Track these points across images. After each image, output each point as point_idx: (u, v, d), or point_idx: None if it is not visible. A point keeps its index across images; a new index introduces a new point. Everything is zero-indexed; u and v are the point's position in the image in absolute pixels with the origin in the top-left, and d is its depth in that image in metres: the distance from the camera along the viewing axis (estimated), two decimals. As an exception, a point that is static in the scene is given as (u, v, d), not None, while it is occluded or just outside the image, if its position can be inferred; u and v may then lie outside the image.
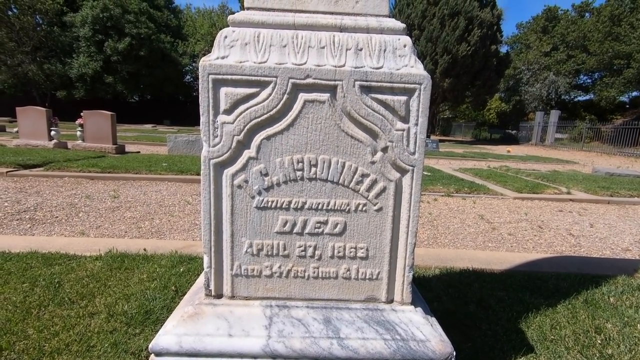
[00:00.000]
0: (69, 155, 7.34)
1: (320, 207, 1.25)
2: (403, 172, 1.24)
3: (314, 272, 1.29)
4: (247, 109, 1.17)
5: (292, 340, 1.20)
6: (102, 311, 1.79)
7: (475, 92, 22.43)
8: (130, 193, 4.86)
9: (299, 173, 1.22)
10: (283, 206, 1.24)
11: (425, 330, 1.26)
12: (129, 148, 9.91)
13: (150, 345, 1.20)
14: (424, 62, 19.62)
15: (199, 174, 5.75)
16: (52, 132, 9.02)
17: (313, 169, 1.22)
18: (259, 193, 1.23)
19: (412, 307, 1.32)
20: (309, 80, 1.16)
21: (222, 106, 1.17)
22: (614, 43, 25.52)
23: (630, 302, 2.09)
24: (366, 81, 1.17)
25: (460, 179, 7.04)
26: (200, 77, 1.15)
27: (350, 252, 1.29)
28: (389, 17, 1.28)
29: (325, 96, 1.17)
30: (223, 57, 1.17)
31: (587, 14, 31.39)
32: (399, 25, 1.24)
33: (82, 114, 9.03)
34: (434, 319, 1.35)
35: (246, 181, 1.22)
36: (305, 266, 1.29)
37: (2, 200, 4.12)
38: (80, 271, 2.22)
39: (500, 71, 22.53)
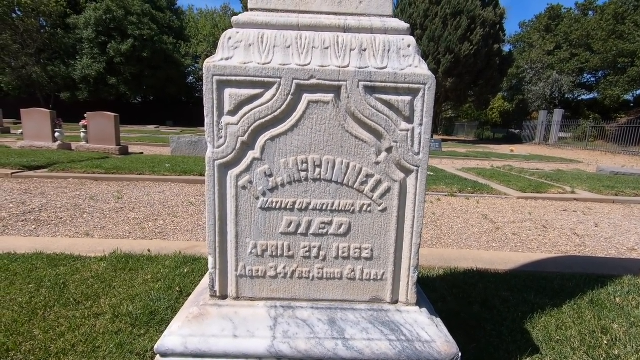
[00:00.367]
0: (73, 157, 7.38)
1: (324, 207, 1.25)
2: (407, 172, 1.23)
3: (319, 273, 1.29)
4: (252, 110, 1.17)
5: (297, 341, 1.20)
6: (107, 312, 1.79)
7: (478, 91, 22.35)
8: (134, 194, 4.88)
9: (303, 174, 1.22)
10: (287, 207, 1.24)
11: (430, 331, 1.25)
12: (132, 149, 9.95)
13: (155, 346, 1.20)
14: (427, 61, 19.58)
15: (202, 175, 5.77)
16: (56, 134, 9.07)
17: (317, 170, 1.22)
18: (264, 194, 1.23)
19: (417, 307, 1.32)
20: (313, 81, 1.16)
21: (227, 107, 1.17)
22: (617, 41, 25.35)
23: (636, 303, 2.07)
24: (370, 81, 1.16)
25: (464, 178, 7.02)
26: (204, 78, 1.15)
27: (355, 253, 1.28)
28: (393, 17, 1.27)
29: (329, 97, 1.17)
30: (227, 59, 1.17)
31: (590, 12, 31.20)
32: (403, 25, 1.24)
33: (85, 115, 9.07)
34: (439, 319, 1.34)
35: (251, 182, 1.22)
36: (310, 267, 1.29)
37: (8, 202, 4.15)
38: (85, 272, 2.23)
39: (503, 70, 22.43)
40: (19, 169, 5.88)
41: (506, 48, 27.24)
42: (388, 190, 1.24)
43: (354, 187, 1.24)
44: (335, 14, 1.26)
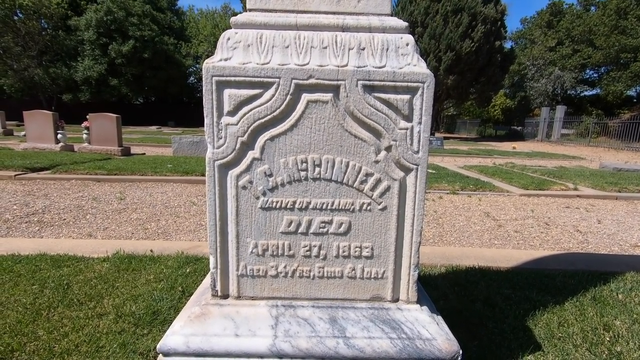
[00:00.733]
0: (76, 158, 7.42)
1: (324, 206, 1.25)
2: (407, 171, 1.24)
3: (319, 272, 1.30)
4: (251, 110, 1.18)
5: (298, 340, 1.21)
6: (110, 312, 1.81)
7: (479, 88, 22.26)
8: (136, 195, 4.90)
9: (303, 173, 1.22)
10: (288, 206, 1.25)
11: (431, 328, 1.26)
12: (134, 150, 9.99)
13: (158, 346, 1.21)
14: (428, 59, 19.53)
15: (203, 175, 5.78)
16: (59, 135, 9.12)
17: (317, 169, 1.22)
18: (264, 194, 1.23)
19: (418, 305, 1.32)
20: (312, 81, 1.16)
21: (226, 108, 1.17)
22: (620, 36, 25.19)
23: (639, 299, 2.07)
24: (369, 80, 1.17)
25: (466, 176, 7.01)
26: (203, 79, 1.16)
27: (355, 252, 1.29)
28: (391, 16, 1.27)
29: (328, 96, 1.18)
30: (226, 59, 1.17)
31: (592, 8, 31.02)
32: (401, 23, 1.24)
33: (87, 116, 9.11)
34: (440, 317, 1.34)
35: (251, 182, 1.22)
36: (311, 266, 1.30)
37: (11, 204, 4.18)
38: (88, 273, 2.24)
39: (504, 67, 22.32)
40: (22, 171, 5.92)
41: (508, 45, 27.12)
42: (388, 189, 1.24)
43: (354, 186, 1.24)
44: (334, 13, 1.26)
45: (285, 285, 1.31)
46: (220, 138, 1.19)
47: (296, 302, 1.31)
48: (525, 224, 4.05)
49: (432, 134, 20.35)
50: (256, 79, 1.16)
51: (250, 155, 1.21)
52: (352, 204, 1.25)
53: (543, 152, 15.34)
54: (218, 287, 1.29)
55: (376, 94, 1.18)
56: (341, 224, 1.27)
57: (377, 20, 1.24)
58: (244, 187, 1.23)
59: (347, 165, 1.22)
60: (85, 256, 2.51)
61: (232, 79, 1.15)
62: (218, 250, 1.26)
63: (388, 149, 1.22)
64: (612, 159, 12.75)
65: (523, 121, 27.63)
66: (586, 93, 31.40)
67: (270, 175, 1.22)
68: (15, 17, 25.51)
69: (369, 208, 1.26)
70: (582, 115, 23.83)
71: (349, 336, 1.23)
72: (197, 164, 6.96)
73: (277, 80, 1.16)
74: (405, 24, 1.24)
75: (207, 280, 1.51)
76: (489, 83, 21.86)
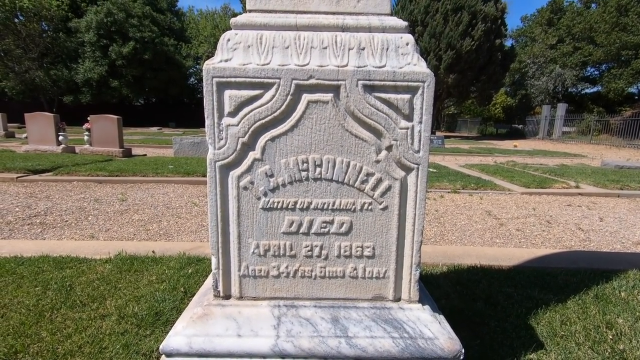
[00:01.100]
0: (77, 160, 7.44)
1: (325, 207, 1.25)
2: (408, 170, 1.24)
3: (321, 272, 1.30)
4: (251, 110, 1.18)
5: (300, 340, 1.21)
6: (113, 313, 1.81)
7: (480, 87, 22.21)
8: (137, 196, 4.91)
9: (304, 173, 1.23)
10: (289, 207, 1.25)
11: (433, 328, 1.26)
12: (135, 151, 10.01)
13: (160, 347, 1.21)
14: (428, 58, 19.50)
15: (205, 176, 5.78)
16: (60, 137, 9.14)
17: (318, 169, 1.22)
18: (265, 194, 1.24)
19: (420, 305, 1.32)
20: (312, 81, 1.16)
21: (227, 109, 1.18)
22: (621, 34, 25.10)
23: (641, 297, 2.06)
24: (369, 80, 1.17)
25: (467, 175, 7.00)
26: (204, 80, 1.16)
27: (357, 251, 1.29)
28: (391, 15, 1.27)
29: (328, 96, 1.18)
30: (226, 60, 1.17)
31: (593, 5, 30.88)
32: (401, 23, 1.24)
33: (89, 118, 9.13)
34: (442, 316, 1.35)
35: (252, 182, 1.23)
36: (312, 266, 1.30)
37: (14, 206, 4.19)
38: (90, 274, 2.25)
39: (505, 65, 22.28)
40: (24, 173, 5.94)
41: (508, 43, 27.11)
42: (389, 188, 1.24)
43: (355, 185, 1.24)
44: (334, 13, 1.26)
45: (287, 286, 1.31)
46: (221, 139, 1.19)
47: (298, 302, 1.32)
48: (527, 223, 4.04)
49: (433, 132, 20.33)
50: (256, 80, 1.16)
51: (251, 155, 1.21)
52: (354, 204, 1.26)
53: (544, 150, 15.31)
54: (220, 288, 1.30)
55: (376, 94, 1.18)
56: (342, 223, 1.27)
57: (376, 20, 1.24)
58: (245, 188, 1.23)
59: (348, 165, 1.22)
60: (88, 257, 2.52)
61: (233, 80, 1.16)
62: (220, 251, 1.26)
63: (389, 148, 1.22)
64: (614, 157, 12.71)
65: (524, 119, 27.57)
66: (587, 91, 31.33)
67: (271, 175, 1.22)
68: (16, 20, 25.57)
69: (370, 208, 1.26)
70: (584, 113, 23.76)
71: (351, 336, 1.23)
72: (198, 165, 6.97)
73: (278, 80, 1.16)
74: (405, 23, 1.24)
75: (209, 281, 1.51)
76: (489, 81, 21.82)
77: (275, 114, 1.18)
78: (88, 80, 28.26)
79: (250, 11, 1.26)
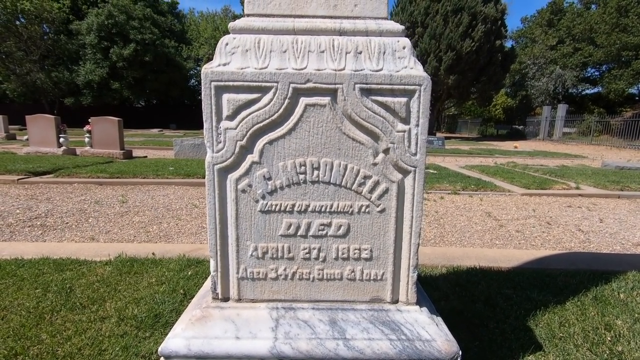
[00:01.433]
0: (78, 162, 7.46)
1: (323, 209, 1.26)
2: (405, 173, 1.24)
3: (319, 274, 1.31)
4: (249, 114, 1.19)
5: (298, 342, 1.21)
6: (112, 315, 1.82)
7: (480, 88, 22.22)
8: (138, 198, 4.92)
9: (301, 176, 1.23)
10: (287, 209, 1.26)
11: (430, 330, 1.26)
12: (136, 153, 10.03)
13: (159, 349, 1.22)
14: (428, 59, 19.51)
15: (205, 177, 5.80)
16: (61, 139, 9.17)
17: (315, 172, 1.23)
18: (263, 197, 1.24)
19: (417, 307, 1.32)
20: (310, 85, 1.17)
21: (225, 112, 1.19)
22: (621, 34, 25.10)
23: (640, 298, 2.07)
24: (366, 84, 1.17)
25: (467, 176, 7.00)
26: (202, 84, 1.17)
27: (355, 254, 1.29)
28: (388, 19, 1.28)
29: (326, 100, 1.19)
30: (225, 64, 1.18)
31: (593, 6, 30.89)
32: (398, 27, 1.24)
33: (89, 120, 9.16)
34: (439, 318, 1.35)
35: (250, 185, 1.23)
36: (310, 268, 1.30)
37: (14, 208, 4.21)
38: (90, 276, 2.26)
39: (505, 66, 22.28)
40: (25, 175, 5.96)
41: (508, 44, 27.11)
42: (386, 191, 1.25)
43: (352, 188, 1.25)
44: (331, 17, 1.27)
45: (285, 288, 1.31)
46: (220, 142, 1.20)
47: (296, 304, 1.32)
48: (527, 224, 4.04)
49: (433, 134, 20.34)
50: (254, 84, 1.17)
51: (249, 159, 1.22)
52: (351, 207, 1.26)
53: (545, 151, 15.30)
54: (219, 290, 1.30)
55: (373, 97, 1.19)
56: (340, 226, 1.28)
57: (373, 23, 1.25)
58: (244, 191, 1.24)
59: (345, 168, 1.23)
60: (88, 260, 2.53)
61: (231, 83, 1.17)
62: (218, 253, 1.27)
63: (386, 151, 1.23)
64: (614, 158, 12.71)
65: (524, 120, 27.55)
66: (588, 91, 31.30)
67: (269, 178, 1.23)
68: (17, 22, 25.67)
69: (367, 210, 1.26)
70: (584, 113, 23.77)
71: (349, 338, 1.23)
72: (198, 167, 6.98)
73: (275, 84, 1.17)
74: (402, 27, 1.25)
75: (208, 283, 1.52)
76: (489, 82, 21.83)
77: (273, 118, 1.19)
78: (89, 82, 28.34)
79: (248, 15, 1.27)
